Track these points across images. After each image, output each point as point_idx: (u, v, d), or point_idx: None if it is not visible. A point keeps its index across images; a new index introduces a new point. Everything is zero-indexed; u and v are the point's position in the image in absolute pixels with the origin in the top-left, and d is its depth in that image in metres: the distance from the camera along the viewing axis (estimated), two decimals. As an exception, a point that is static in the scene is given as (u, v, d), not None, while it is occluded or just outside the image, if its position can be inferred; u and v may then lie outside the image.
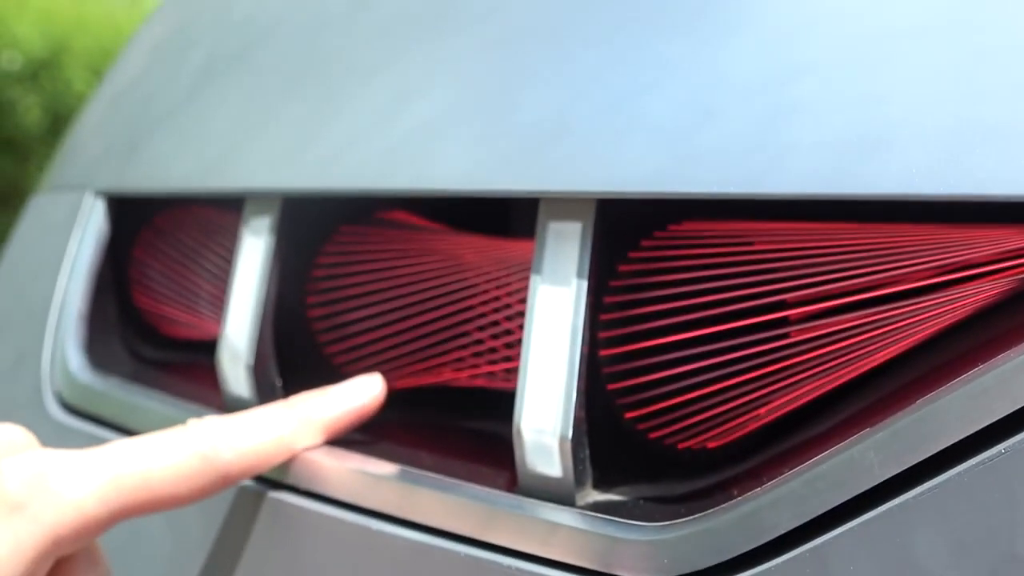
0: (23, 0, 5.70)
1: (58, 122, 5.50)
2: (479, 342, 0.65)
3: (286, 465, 0.59)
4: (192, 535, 0.63)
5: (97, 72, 5.53)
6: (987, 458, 0.39)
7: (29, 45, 5.39)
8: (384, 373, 0.63)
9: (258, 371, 0.65)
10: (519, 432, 0.52)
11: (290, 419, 0.59)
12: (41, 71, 5.43)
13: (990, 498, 0.39)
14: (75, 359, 0.78)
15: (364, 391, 0.61)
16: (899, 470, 0.41)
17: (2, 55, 5.34)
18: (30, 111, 5.41)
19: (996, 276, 0.45)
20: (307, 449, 0.59)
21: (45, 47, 5.43)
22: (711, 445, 0.55)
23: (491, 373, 0.64)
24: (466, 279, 0.65)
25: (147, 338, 0.84)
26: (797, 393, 0.52)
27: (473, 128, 0.57)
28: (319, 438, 0.60)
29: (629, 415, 0.54)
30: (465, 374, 0.65)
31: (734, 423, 0.54)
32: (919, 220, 0.47)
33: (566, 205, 0.53)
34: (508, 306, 0.64)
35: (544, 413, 0.51)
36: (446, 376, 0.66)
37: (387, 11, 0.68)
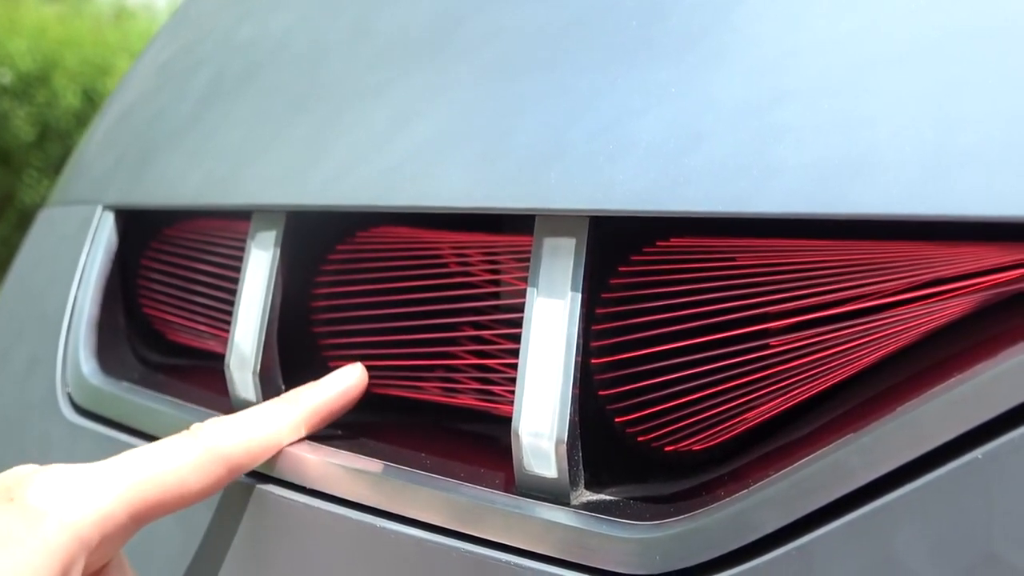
0: (15, 18, 5.66)
1: (47, 134, 5.45)
2: (478, 353, 0.65)
3: (293, 464, 0.59)
4: (201, 533, 0.63)
5: (85, 86, 5.48)
6: (964, 463, 0.39)
7: (20, 60, 5.35)
8: (382, 379, 0.63)
9: (264, 376, 0.65)
10: (517, 435, 0.52)
11: (284, 408, 0.61)
12: (32, 85, 5.38)
13: (968, 501, 0.39)
14: (86, 364, 0.77)
15: (348, 376, 0.63)
16: (881, 473, 0.41)
17: (-4, 70, 5.30)
18: (21, 123, 5.37)
19: (966, 291, 0.45)
20: (299, 441, 0.61)
21: (36, 62, 5.38)
22: (696, 448, 0.55)
23: (487, 392, 0.64)
24: (463, 288, 0.65)
25: (154, 344, 0.83)
26: (778, 400, 0.52)
27: (472, 148, 0.57)
28: (314, 421, 0.61)
29: (619, 420, 0.55)
30: (461, 399, 0.65)
31: (718, 428, 0.54)
32: (895, 236, 0.48)
33: (561, 222, 0.53)
34: (504, 322, 0.64)
35: (541, 418, 0.51)
36: (441, 397, 0.66)
37: (389, 36, 0.68)
